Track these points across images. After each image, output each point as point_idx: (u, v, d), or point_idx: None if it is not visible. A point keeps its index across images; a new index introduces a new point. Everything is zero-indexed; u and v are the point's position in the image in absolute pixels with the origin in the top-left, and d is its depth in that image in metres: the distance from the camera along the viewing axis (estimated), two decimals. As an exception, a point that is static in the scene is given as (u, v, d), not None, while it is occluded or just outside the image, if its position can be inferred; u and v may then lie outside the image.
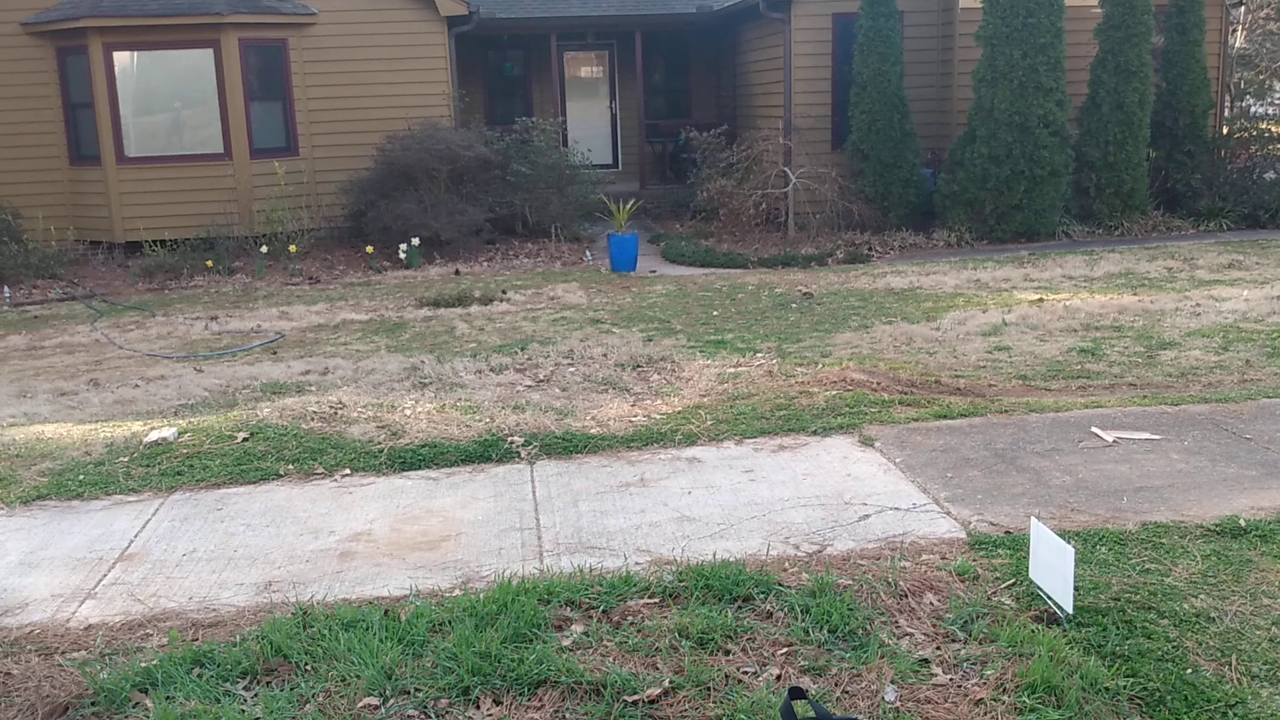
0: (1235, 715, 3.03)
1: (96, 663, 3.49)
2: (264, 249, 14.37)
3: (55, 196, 15.27)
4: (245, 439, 5.71)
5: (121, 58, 14.93)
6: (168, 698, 3.20)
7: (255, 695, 3.23)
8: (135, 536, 4.63)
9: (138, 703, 3.23)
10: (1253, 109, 19.62)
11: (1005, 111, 13.70)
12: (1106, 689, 3.11)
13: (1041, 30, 13.59)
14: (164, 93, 15.31)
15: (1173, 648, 3.33)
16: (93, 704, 3.23)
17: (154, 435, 5.87)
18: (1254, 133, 16.52)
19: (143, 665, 3.40)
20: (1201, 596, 3.65)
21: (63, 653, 3.58)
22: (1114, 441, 5.27)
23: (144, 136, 15.17)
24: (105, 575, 4.25)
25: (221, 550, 4.45)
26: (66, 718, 3.20)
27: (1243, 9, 19.84)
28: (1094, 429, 5.47)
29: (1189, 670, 3.21)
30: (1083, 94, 14.47)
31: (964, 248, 14.03)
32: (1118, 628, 3.42)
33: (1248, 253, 12.54)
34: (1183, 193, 15.23)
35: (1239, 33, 20.24)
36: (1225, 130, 16.45)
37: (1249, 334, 8.17)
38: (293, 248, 14.43)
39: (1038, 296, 10.25)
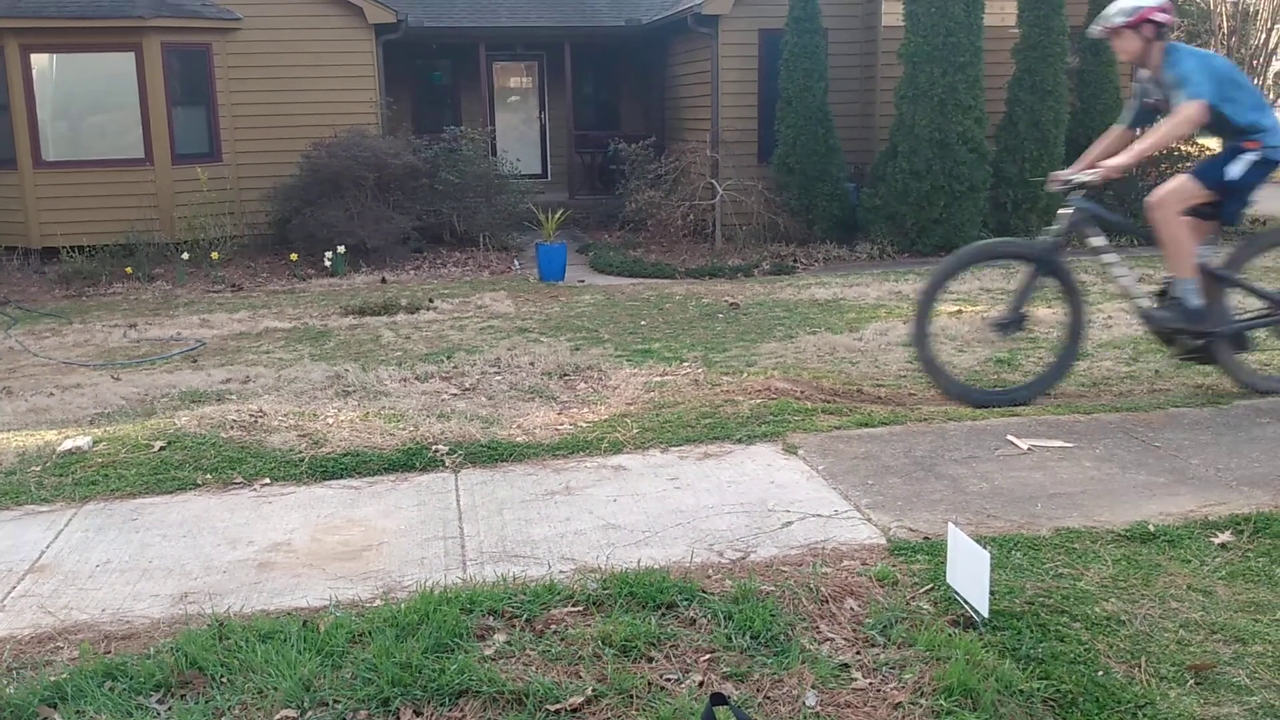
0: (1145, 716, 3.11)
1: (3, 677, 3.39)
2: (186, 256, 14.12)
3: (-34, 200, 14.86)
4: (162, 448, 5.60)
5: (40, 59, 14.59)
6: (78, 712, 3.12)
7: (169, 708, 3.16)
8: (47, 548, 4.51)
9: (46, 717, 3.14)
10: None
11: (926, 128, 13.97)
12: (1021, 691, 3.17)
13: (961, 49, 13.89)
14: (84, 96, 14.98)
15: (1085, 650, 3.40)
16: (-2, 719, 3.14)
17: (68, 444, 5.73)
18: (1164, 152, 17.00)
19: (52, 679, 3.31)
20: (1112, 600, 3.74)
21: (-32, 667, 3.47)
22: (1029, 449, 5.39)
23: (63, 140, 14.83)
24: (15, 587, 4.13)
25: (136, 561, 4.35)
26: (-30, 734, 3.11)
27: (1155, 32, 20.42)
28: (1010, 437, 5.58)
29: (1100, 672, 3.29)
30: (1001, 112, 14.82)
31: (886, 260, 14.26)
32: (1032, 631, 3.49)
33: (1157, 267, 12.85)
34: (1098, 209, 15.63)
35: (1151, 54, 20.83)
36: (1137, 149, 16.90)
37: (1159, 346, 8.40)
38: (215, 255, 14.19)
39: (956, 308, 10.44)
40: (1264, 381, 6.49)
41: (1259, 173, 6.11)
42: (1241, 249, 6.50)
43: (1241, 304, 7.00)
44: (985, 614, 3.51)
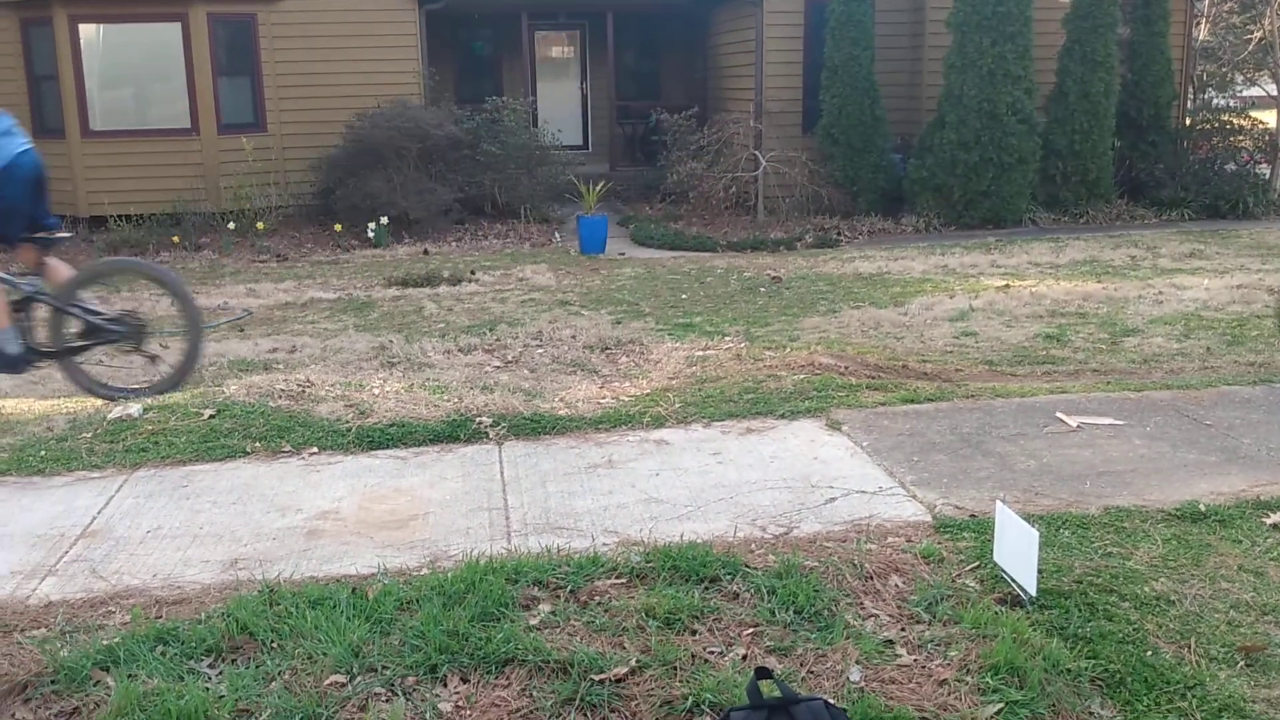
0: (1194, 697, 3.08)
1: (57, 640, 3.45)
2: (231, 226, 14.24)
3: (17, 169, 15.05)
4: (211, 416, 5.66)
5: (87, 30, 14.72)
6: (130, 675, 3.18)
7: (220, 673, 3.21)
8: (98, 513, 4.59)
9: (99, 681, 3.20)
10: (1215, 101, 19.82)
11: (974, 98, 13.78)
12: (1068, 670, 3.15)
13: (1011, 18, 13.66)
14: (130, 66, 15.11)
15: (1133, 630, 3.37)
16: (53, 682, 3.20)
17: (118, 411, 5.81)
18: (1216, 124, 16.71)
19: (104, 643, 3.37)
20: (1162, 580, 3.70)
21: (22, 630, 3.54)
22: (1078, 427, 5.33)
23: (110, 110, 14.97)
24: (67, 552, 4.21)
25: (187, 527, 4.41)
26: (25, 696, 3.17)
27: (1207, 2, 20.02)
28: (1058, 414, 5.52)
29: (1149, 652, 3.26)
30: (1051, 83, 14.58)
31: (932, 233, 14.12)
32: (1080, 610, 3.46)
33: (1209, 242, 12.69)
34: (1146, 182, 15.40)
35: (1203, 25, 20.42)
36: (1188, 121, 16.63)
37: (1210, 322, 8.28)
38: (260, 225, 14.31)
39: (1004, 283, 10.33)
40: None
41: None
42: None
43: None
44: (1033, 592, 3.48)
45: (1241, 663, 3.24)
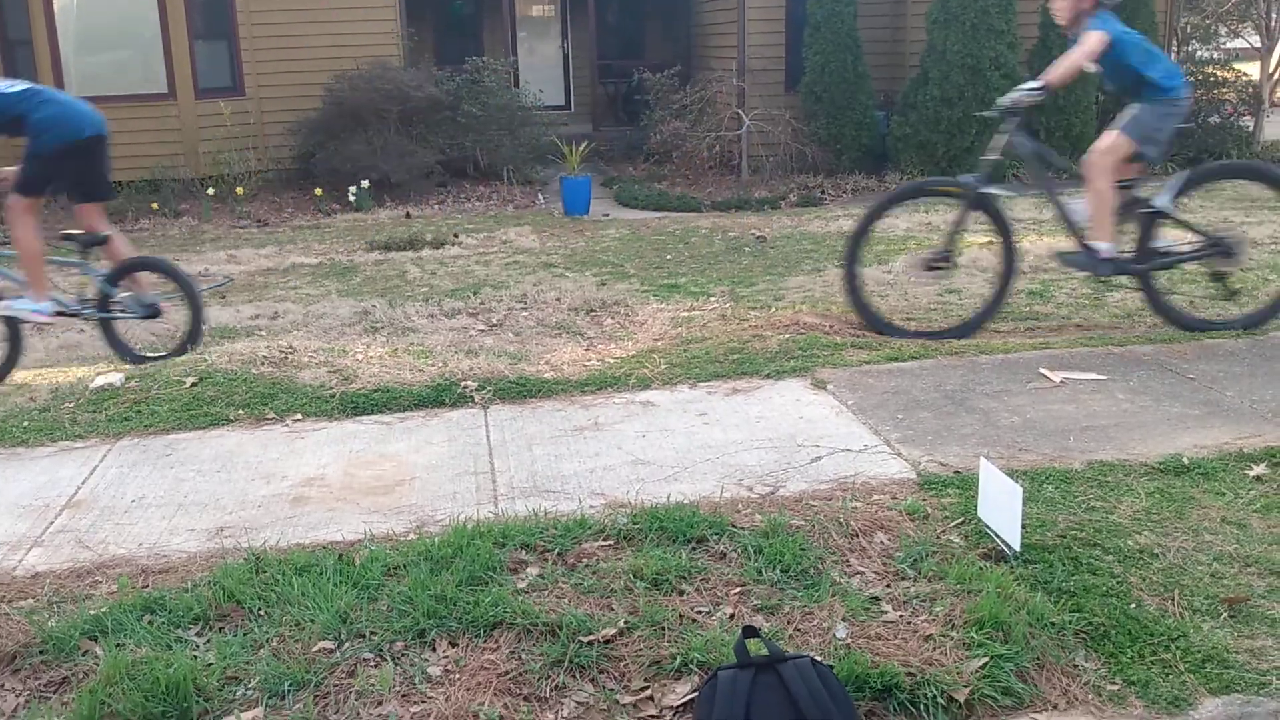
0: (1178, 648, 3.11)
1: (44, 611, 3.45)
2: (210, 191, 14.12)
3: (-8, 137, 14.84)
4: (194, 384, 5.64)
5: (59, -7, 14.50)
6: (118, 645, 3.18)
7: (208, 641, 3.21)
8: (83, 483, 4.57)
9: (87, 650, 3.20)
10: (1199, 53, 19.74)
11: (957, 54, 13.71)
12: (1053, 624, 3.17)
13: (994, -28, 13.58)
14: (106, 30, 14.89)
15: (1117, 583, 3.40)
16: (41, 652, 3.20)
17: (100, 380, 5.78)
18: (1200, 77, 16.66)
19: (92, 613, 3.36)
20: (1145, 533, 3.73)
21: (9, 601, 3.54)
22: (1061, 382, 5.35)
23: (86, 76, 14.76)
24: (52, 522, 4.20)
25: (171, 496, 4.40)
26: (14, 666, 3.17)
27: (1192, -47, 19.92)
28: (1042, 370, 5.54)
29: (1133, 605, 3.28)
30: (1034, 37, 14.50)
31: (916, 191, 14.07)
32: (1064, 564, 3.48)
33: (1192, 196, 12.67)
34: (1131, 136, 15.36)
35: (1188, -24, 20.32)
36: (1173, 74, 16.57)
37: (1193, 275, 8.28)
38: (240, 190, 14.18)
39: (988, 239, 10.31)
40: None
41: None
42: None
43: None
44: (1017, 547, 3.50)
45: (1225, 614, 3.28)
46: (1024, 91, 6.20)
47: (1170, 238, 6.55)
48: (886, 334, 6.49)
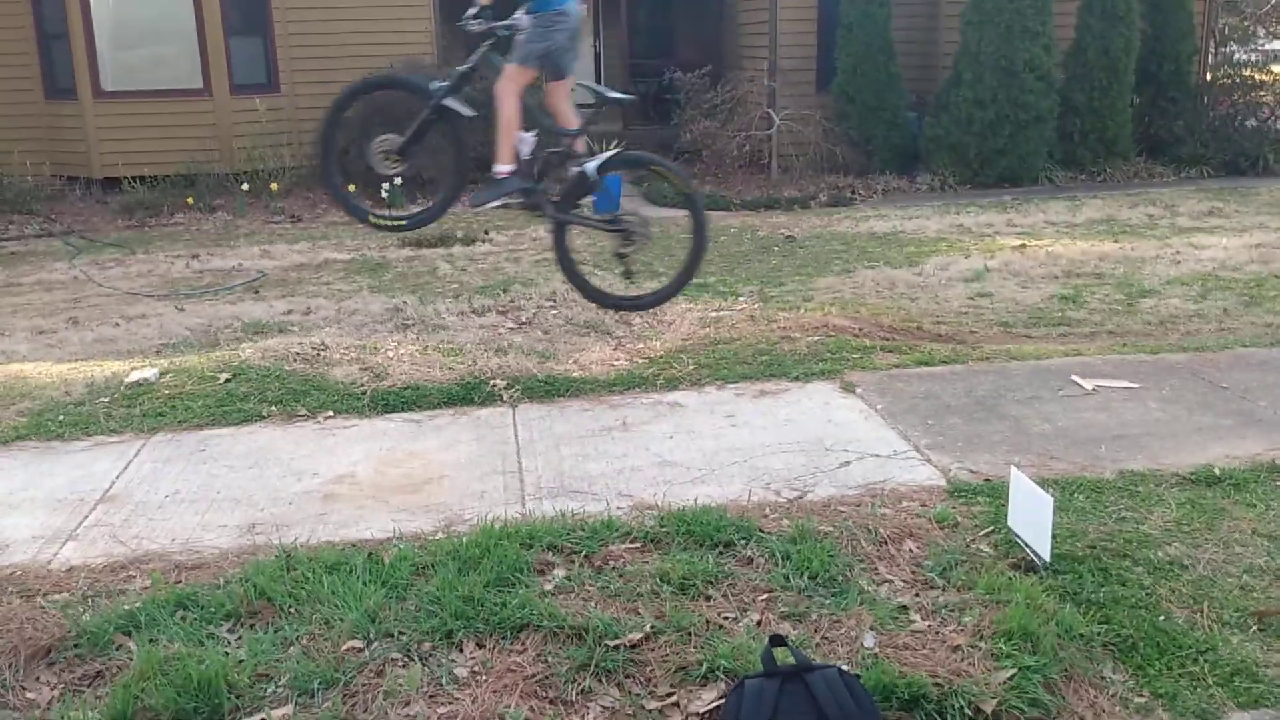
0: (1206, 661, 3.09)
1: (79, 605, 3.50)
2: (245, 187, 14.21)
3: (31, 130, 14.99)
4: (228, 380, 5.69)
5: (96, -12, 14.63)
6: (151, 640, 3.22)
7: (239, 638, 3.25)
8: (117, 478, 4.63)
9: (120, 645, 3.24)
10: (1236, 56, 19.49)
11: (991, 55, 13.61)
12: (1081, 635, 3.16)
13: (1030, -27, 13.47)
14: (142, 26, 15.00)
15: (1146, 595, 3.38)
16: (75, 646, 3.25)
17: (135, 375, 5.84)
18: (1237, 79, 16.45)
19: (126, 608, 3.41)
20: (1175, 544, 3.70)
21: (44, 595, 3.59)
22: (1093, 389, 5.31)
23: (121, 70, 14.89)
24: (87, 517, 4.25)
25: (204, 492, 4.45)
26: (49, 660, 3.22)
27: (1232, -47, 19.70)
28: (1074, 377, 5.50)
29: (1162, 617, 3.27)
30: (1069, 39, 14.37)
31: (947, 192, 14.00)
32: (1093, 575, 3.47)
33: (1228, 200, 12.57)
34: (1165, 139, 15.21)
35: (1227, -23, 20.09)
36: (1209, 77, 16.39)
37: (1227, 282, 8.22)
38: (274, 186, 14.27)
39: (1020, 242, 10.26)
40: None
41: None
42: None
43: None
44: (1047, 558, 3.49)
45: (1254, 627, 3.25)
46: (467, 19, 5.89)
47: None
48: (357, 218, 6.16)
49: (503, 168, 5.84)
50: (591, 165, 5.82)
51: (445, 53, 16.18)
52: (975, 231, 11.05)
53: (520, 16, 5.63)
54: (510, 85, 5.76)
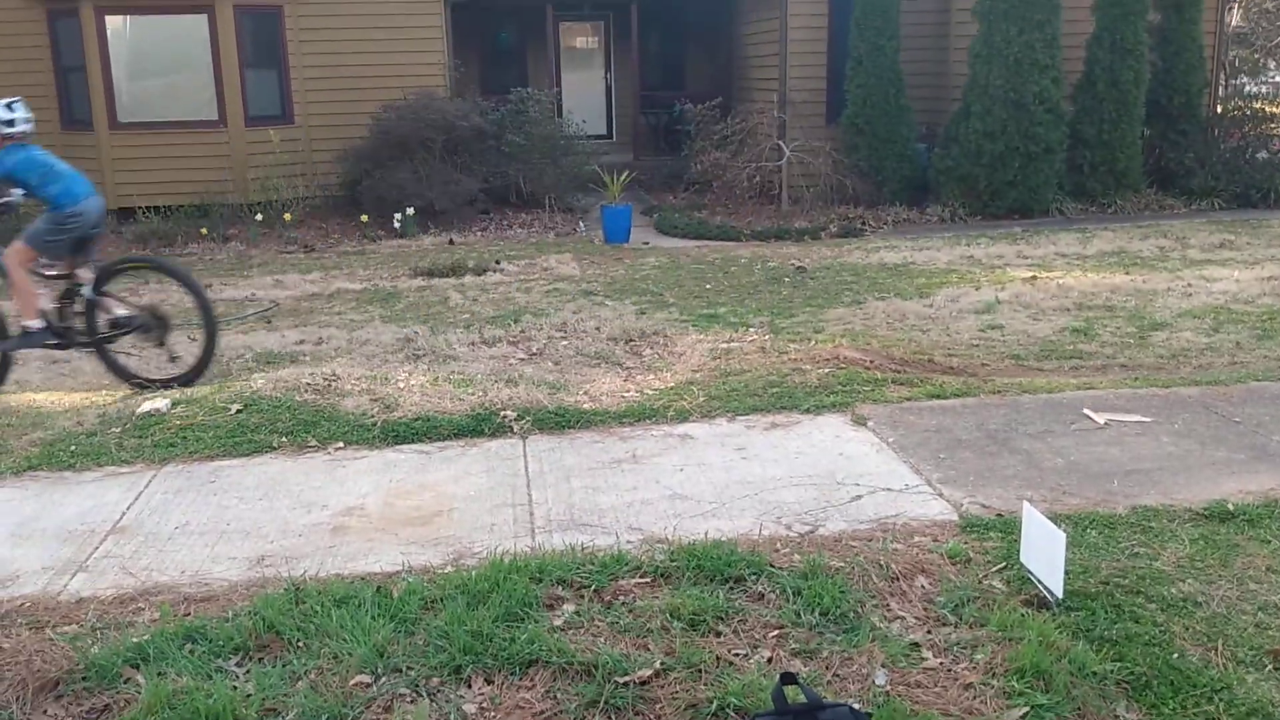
0: (1221, 700, 3.06)
1: (87, 637, 3.50)
2: (259, 217, 14.30)
3: (46, 161, 15.12)
4: (239, 411, 5.71)
5: (114, 21, 14.78)
6: (159, 673, 3.21)
7: (247, 672, 3.24)
8: (128, 509, 4.63)
9: (129, 678, 3.23)
10: (1247, 88, 19.56)
11: (1001, 88, 13.65)
12: (1094, 673, 3.13)
13: (1038, 6, 13.52)
14: (157, 58, 15.16)
15: (1160, 632, 3.35)
16: (83, 679, 3.24)
17: (147, 406, 5.86)
18: (1248, 112, 16.49)
19: (134, 640, 3.40)
20: (1189, 581, 3.67)
21: (53, 626, 3.59)
22: (1105, 423, 5.29)
23: (137, 102, 15.04)
24: (97, 548, 4.25)
25: (214, 523, 4.45)
26: (57, 693, 3.21)
27: (1241, -14, 19.78)
28: (1086, 410, 5.48)
29: (1176, 655, 3.24)
30: (1078, 71, 14.41)
31: (958, 223, 14.02)
32: (1106, 612, 3.44)
33: (1239, 232, 12.55)
34: (1176, 171, 15.21)
35: (1235, 11, 20.17)
36: (1220, 109, 16.41)
37: (1240, 315, 8.19)
38: (288, 216, 14.36)
39: (1031, 274, 10.25)
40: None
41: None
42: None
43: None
44: (1059, 594, 3.46)
45: (1270, 666, 3.22)
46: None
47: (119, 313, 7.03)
48: None
49: (30, 323, 6.89)
50: (88, 290, 6.95)
51: (458, 85, 16.31)
52: (986, 263, 11.05)
53: (17, 194, 6.72)
54: (15, 259, 6.77)
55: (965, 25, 14.51)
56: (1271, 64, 21.24)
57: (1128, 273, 10.22)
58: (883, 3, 14.44)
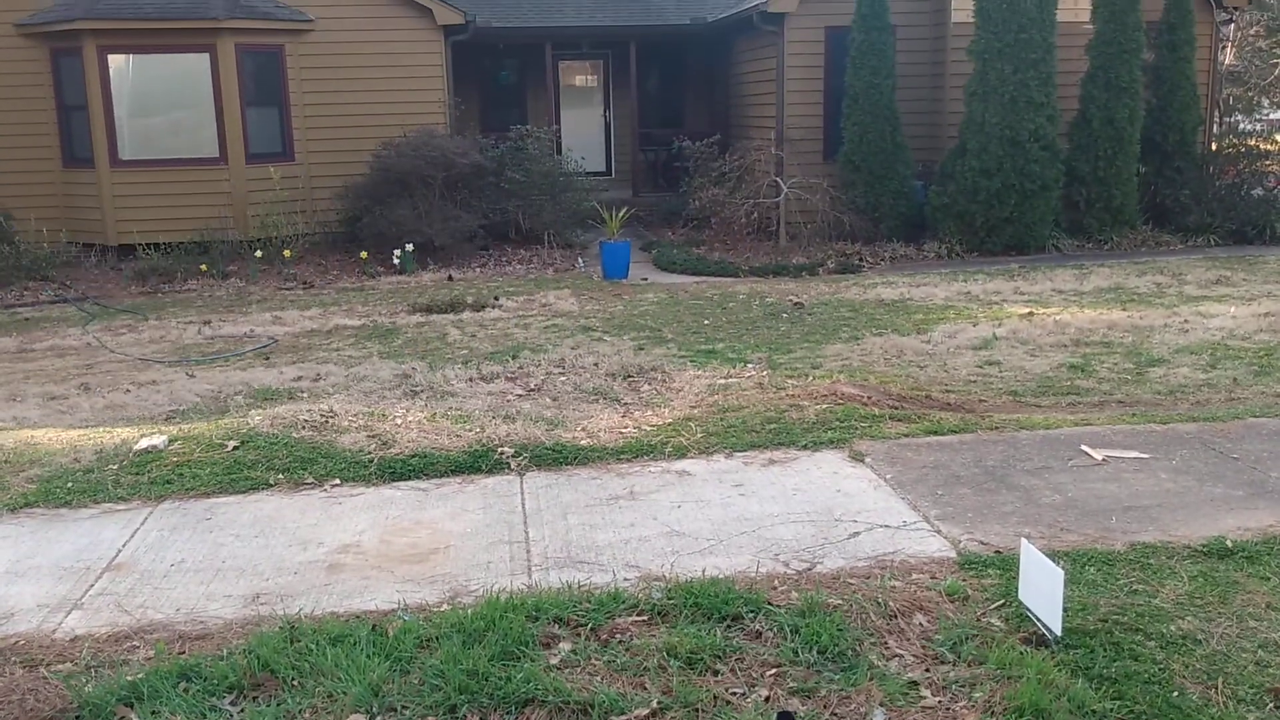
0: (1221, 740, 3.04)
1: (82, 675, 3.48)
2: (258, 253, 14.35)
3: (48, 199, 15.21)
4: (236, 447, 5.70)
5: (116, 60, 14.89)
6: (153, 712, 3.19)
7: (241, 711, 3.22)
8: (123, 546, 4.62)
9: (123, 717, 3.21)
10: (1241, 125, 19.70)
11: (996, 125, 13.75)
12: (1094, 712, 3.12)
13: (1033, 46, 13.65)
14: (159, 96, 15.27)
15: (1160, 670, 3.33)
16: (77, 717, 3.22)
17: (144, 443, 5.85)
18: (1242, 149, 16.59)
19: (129, 678, 3.38)
20: (1188, 618, 3.66)
21: (48, 665, 3.57)
22: (1103, 460, 5.29)
23: (138, 139, 15.13)
24: (92, 585, 4.24)
25: (210, 561, 4.44)
26: (51, 731, 3.19)
27: (1233, 26, 19.96)
28: (1084, 447, 5.48)
29: (1175, 693, 3.22)
30: (1074, 109, 14.53)
31: (954, 259, 14.07)
32: (1105, 650, 3.42)
33: (1235, 269, 12.60)
34: (1172, 208, 15.30)
35: (1229, 50, 20.36)
36: (1214, 146, 16.53)
37: (1236, 351, 8.21)
38: (287, 252, 14.41)
39: (1028, 310, 10.28)
40: None
41: None
42: None
43: None
44: (1058, 632, 3.45)
45: (1271, 704, 3.20)
46: None
47: None
48: None
49: None
50: None
51: (458, 122, 16.41)
52: (983, 299, 11.08)
53: None
54: None
55: (961, 64, 14.63)
56: (1265, 102, 21.41)
57: (1125, 309, 10.24)
58: (879, 42, 14.57)
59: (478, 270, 14.51)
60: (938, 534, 4.44)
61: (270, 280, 13.96)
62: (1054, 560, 3.51)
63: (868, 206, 14.97)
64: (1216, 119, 17.72)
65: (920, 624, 3.61)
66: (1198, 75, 15.33)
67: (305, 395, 7.62)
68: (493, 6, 18.41)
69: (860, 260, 14.08)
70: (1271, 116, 22.07)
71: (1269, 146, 17.13)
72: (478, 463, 5.51)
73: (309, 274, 14.28)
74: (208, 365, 9.06)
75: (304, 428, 5.97)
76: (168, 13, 14.63)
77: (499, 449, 5.66)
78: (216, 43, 14.77)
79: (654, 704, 3.13)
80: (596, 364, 8.25)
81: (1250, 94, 20.57)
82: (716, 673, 3.33)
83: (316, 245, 15.46)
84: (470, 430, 6.00)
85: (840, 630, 3.52)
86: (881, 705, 3.13)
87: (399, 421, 6.16)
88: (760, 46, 16.77)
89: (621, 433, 6.17)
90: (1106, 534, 4.40)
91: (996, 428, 5.90)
